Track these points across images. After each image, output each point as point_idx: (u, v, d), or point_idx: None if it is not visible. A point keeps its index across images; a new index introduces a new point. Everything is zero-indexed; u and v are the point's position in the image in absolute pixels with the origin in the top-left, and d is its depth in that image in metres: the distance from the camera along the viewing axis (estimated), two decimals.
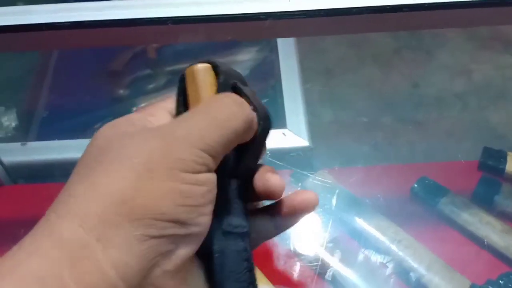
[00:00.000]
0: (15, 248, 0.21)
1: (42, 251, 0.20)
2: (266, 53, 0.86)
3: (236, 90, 0.27)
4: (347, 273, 0.60)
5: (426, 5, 0.48)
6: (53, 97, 0.89)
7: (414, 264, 0.60)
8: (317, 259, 0.61)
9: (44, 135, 0.80)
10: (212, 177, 0.24)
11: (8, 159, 0.66)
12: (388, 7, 0.48)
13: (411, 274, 0.60)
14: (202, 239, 0.24)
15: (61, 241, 0.20)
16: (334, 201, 0.66)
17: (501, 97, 1.45)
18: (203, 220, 0.23)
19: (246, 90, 0.27)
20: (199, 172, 0.23)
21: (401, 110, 1.42)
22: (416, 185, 0.68)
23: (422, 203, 0.67)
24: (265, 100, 0.83)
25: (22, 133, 0.78)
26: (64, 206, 0.21)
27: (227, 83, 0.27)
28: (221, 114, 0.24)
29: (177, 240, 0.22)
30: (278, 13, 0.47)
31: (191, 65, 0.27)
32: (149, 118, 0.26)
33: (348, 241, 0.63)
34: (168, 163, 0.22)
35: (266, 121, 0.27)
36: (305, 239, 0.64)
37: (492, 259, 0.61)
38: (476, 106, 1.46)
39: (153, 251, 0.21)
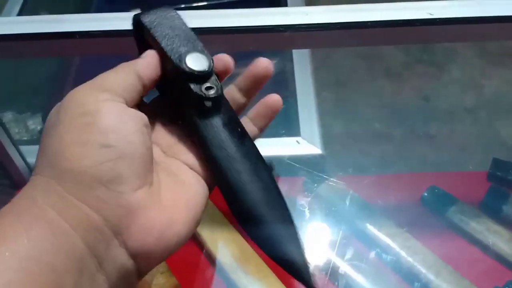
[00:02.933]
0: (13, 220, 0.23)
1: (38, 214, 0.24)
2: (282, 64, 0.88)
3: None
4: (357, 277, 0.62)
5: (438, 20, 0.50)
6: None
7: (423, 270, 0.62)
8: (328, 263, 0.63)
9: None
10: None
11: (33, 160, 0.69)
12: (401, 21, 0.51)
13: (420, 280, 0.61)
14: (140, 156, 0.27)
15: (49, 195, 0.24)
16: (345, 207, 0.68)
17: (511, 111, 1.46)
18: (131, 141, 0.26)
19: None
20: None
21: (411, 123, 1.44)
22: (426, 194, 0.70)
23: (431, 211, 0.69)
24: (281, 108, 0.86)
25: None
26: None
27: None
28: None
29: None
30: (297, 26, 0.50)
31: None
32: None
33: (359, 246, 0.65)
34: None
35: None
36: (316, 243, 0.66)
37: (499, 266, 0.63)
38: (486, 119, 1.47)
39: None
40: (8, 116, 0.77)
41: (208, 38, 0.47)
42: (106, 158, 0.24)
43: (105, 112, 0.25)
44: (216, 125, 0.31)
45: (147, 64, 0.30)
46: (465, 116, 1.49)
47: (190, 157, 0.31)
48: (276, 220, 0.30)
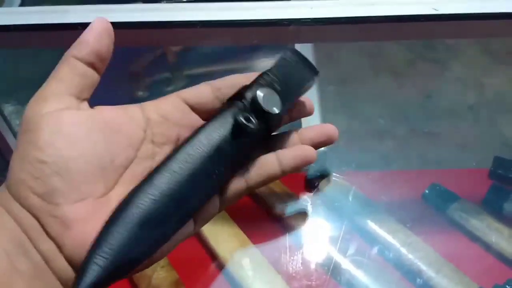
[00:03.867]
0: None
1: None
2: None
3: None
4: (358, 274, 0.62)
5: (442, 16, 0.50)
6: None
7: (424, 267, 0.62)
8: (330, 259, 0.63)
9: None
10: None
11: None
12: (405, 17, 0.51)
13: (421, 276, 0.61)
14: None
15: None
16: (348, 203, 0.68)
17: None
18: None
19: None
20: None
21: (413, 120, 1.44)
22: (427, 191, 0.70)
23: (432, 208, 0.69)
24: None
25: None
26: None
27: None
28: None
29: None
30: (301, 20, 0.50)
31: None
32: None
33: (360, 242, 0.65)
34: None
35: None
36: (319, 238, 0.66)
37: (500, 264, 0.63)
38: (488, 117, 1.47)
39: None
40: (9, 108, 0.77)
41: (212, 31, 0.47)
42: (40, 173, 0.25)
43: (43, 128, 0.26)
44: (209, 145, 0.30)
45: (80, 43, 0.29)
46: (467, 113, 1.49)
47: None
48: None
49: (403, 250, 0.63)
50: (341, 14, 0.50)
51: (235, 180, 0.31)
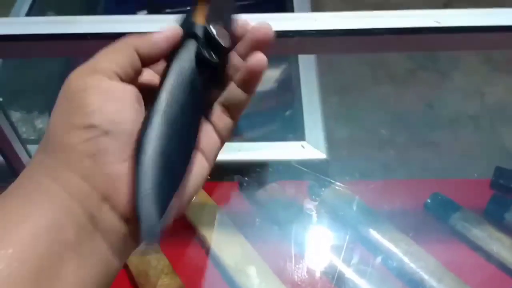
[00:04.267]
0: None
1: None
2: (288, 69, 0.89)
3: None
4: (362, 283, 0.63)
5: (445, 29, 0.51)
6: None
7: (426, 276, 0.62)
8: (334, 268, 0.64)
9: None
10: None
11: None
12: (408, 29, 0.52)
13: (423, 285, 0.62)
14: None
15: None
16: (351, 212, 0.69)
17: None
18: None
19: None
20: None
21: (415, 129, 1.45)
22: (429, 200, 0.70)
23: (434, 217, 0.69)
24: (287, 113, 0.87)
25: None
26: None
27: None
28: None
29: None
30: (305, 31, 0.51)
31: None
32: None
33: (363, 252, 0.66)
34: None
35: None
36: (323, 247, 0.66)
37: (501, 273, 0.63)
38: (489, 127, 1.48)
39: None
40: (16, 116, 0.77)
41: None
42: (90, 135, 0.27)
43: (91, 94, 0.28)
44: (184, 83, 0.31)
45: (148, 42, 0.31)
46: (468, 123, 1.50)
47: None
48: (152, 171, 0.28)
49: (405, 259, 0.64)
50: (345, 26, 0.51)
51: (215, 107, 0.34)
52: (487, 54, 1.68)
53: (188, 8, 0.34)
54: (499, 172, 0.73)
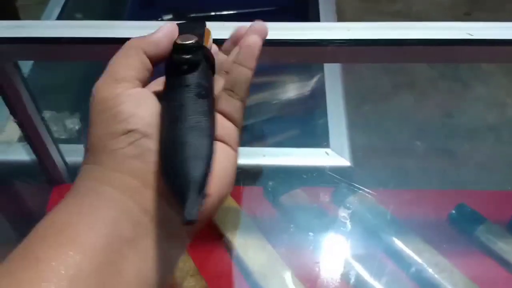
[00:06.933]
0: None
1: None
2: (314, 77, 0.90)
3: None
4: None
5: (477, 41, 0.51)
6: None
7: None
8: (357, 277, 0.64)
9: None
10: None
11: (71, 159, 0.71)
12: (440, 41, 0.52)
13: None
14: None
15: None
16: (374, 221, 0.69)
17: None
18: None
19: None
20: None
21: (436, 139, 1.44)
22: (454, 212, 0.70)
23: (459, 229, 0.69)
24: (311, 122, 0.87)
25: (84, 136, 0.83)
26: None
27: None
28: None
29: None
30: (338, 41, 0.51)
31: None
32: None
33: (386, 261, 0.66)
34: None
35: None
36: (346, 256, 0.67)
37: None
38: (510, 138, 1.47)
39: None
40: (46, 115, 0.79)
41: None
42: (132, 139, 0.30)
43: (122, 103, 0.30)
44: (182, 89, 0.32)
45: (153, 42, 0.33)
46: (489, 133, 1.49)
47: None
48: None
49: (430, 270, 0.64)
50: (378, 36, 0.52)
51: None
52: (509, 65, 1.67)
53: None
54: None
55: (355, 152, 0.80)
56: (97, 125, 0.30)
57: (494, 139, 1.48)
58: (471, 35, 0.52)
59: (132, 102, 0.30)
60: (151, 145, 0.30)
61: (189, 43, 0.34)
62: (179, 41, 0.34)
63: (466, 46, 0.52)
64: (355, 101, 1.47)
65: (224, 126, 0.34)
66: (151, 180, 0.29)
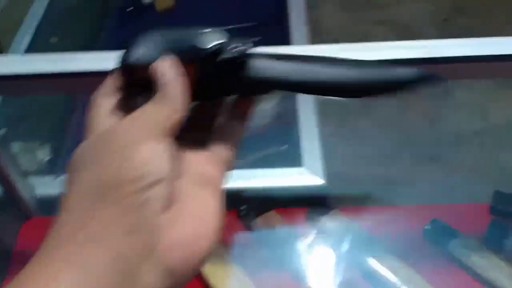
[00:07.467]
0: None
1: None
2: (285, 97, 0.90)
3: None
4: None
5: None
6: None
7: None
8: None
9: None
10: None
11: (41, 191, 0.71)
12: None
13: None
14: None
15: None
16: (348, 241, 0.68)
17: None
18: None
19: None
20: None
21: (415, 152, 1.44)
22: (428, 227, 0.70)
23: (434, 244, 0.69)
24: (284, 145, 0.86)
25: (55, 167, 0.82)
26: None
27: None
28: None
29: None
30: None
31: None
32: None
33: (361, 282, 0.65)
34: None
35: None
36: (321, 277, 0.66)
37: None
38: (491, 147, 1.47)
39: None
40: (16, 146, 0.78)
41: None
42: (139, 187, 0.28)
43: (133, 150, 0.29)
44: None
45: (169, 111, 0.30)
46: (471, 140, 1.49)
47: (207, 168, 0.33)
48: None
49: None
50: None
51: None
52: None
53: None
54: (498, 196, 0.72)
55: (332, 169, 0.80)
56: (104, 168, 0.29)
57: (477, 145, 1.48)
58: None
59: (144, 154, 0.29)
60: (156, 194, 0.29)
61: (237, 47, 0.31)
62: (226, 56, 0.31)
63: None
64: (334, 114, 1.47)
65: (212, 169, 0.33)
66: (146, 235, 0.28)
